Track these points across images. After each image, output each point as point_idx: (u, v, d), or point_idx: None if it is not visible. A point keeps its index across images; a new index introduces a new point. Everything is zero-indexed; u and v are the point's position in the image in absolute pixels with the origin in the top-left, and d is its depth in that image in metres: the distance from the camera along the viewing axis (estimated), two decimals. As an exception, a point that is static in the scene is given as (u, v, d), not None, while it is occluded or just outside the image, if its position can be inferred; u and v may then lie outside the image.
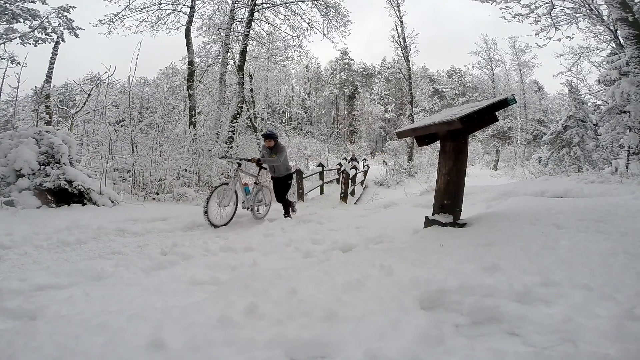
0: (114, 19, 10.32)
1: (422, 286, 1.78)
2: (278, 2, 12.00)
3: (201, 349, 1.33)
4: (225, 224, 4.52)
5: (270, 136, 5.12)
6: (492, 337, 1.49)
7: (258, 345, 1.37)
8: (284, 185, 5.28)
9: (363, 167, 19.08)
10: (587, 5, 8.91)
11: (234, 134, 10.25)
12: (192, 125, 9.09)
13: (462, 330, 1.56)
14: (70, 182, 4.57)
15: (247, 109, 13.01)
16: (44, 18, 9.05)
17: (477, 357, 1.33)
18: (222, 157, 6.61)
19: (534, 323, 1.50)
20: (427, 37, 54.10)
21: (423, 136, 3.89)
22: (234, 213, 4.73)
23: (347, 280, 1.87)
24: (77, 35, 10.40)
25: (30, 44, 9.01)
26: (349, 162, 14.66)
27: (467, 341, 1.45)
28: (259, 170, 5.25)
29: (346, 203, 9.14)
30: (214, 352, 1.32)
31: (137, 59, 6.62)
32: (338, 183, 11.93)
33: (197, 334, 1.41)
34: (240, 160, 4.93)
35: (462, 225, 3.30)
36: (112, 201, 4.92)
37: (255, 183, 5.17)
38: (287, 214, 5.30)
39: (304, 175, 9.13)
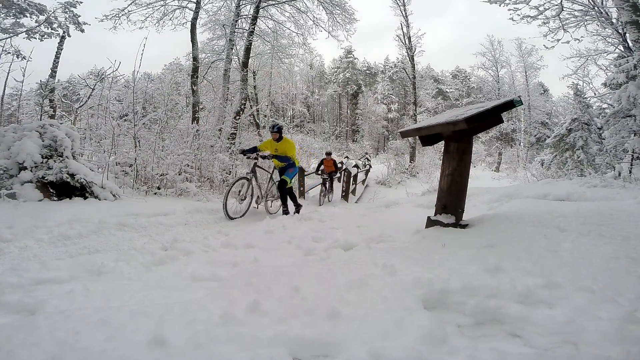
0: (120, 15, 10.33)
1: (425, 286, 1.77)
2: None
3: (203, 346, 1.33)
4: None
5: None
6: (494, 338, 1.49)
7: (261, 343, 1.36)
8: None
9: (365, 166, 19.08)
10: (596, 8, 8.83)
11: (236, 130, 10.23)
12: (195, 121, 9.06)
13: (465, 330, 1.55)
14: (72, 176, 4.57)
15: (250, 105, 12.99)
16: (50, 13, 9.03)
17: (480, 358, 1.32)
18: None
19: (536, 324, 1.50)
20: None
21: (427, 136, 3.87)
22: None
23: (349, 278, 1.86)
24: (82, 30, 10.39)
25: (36, 38, 8.98)
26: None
27: (470, 342, 1.45)
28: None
29: (347, 202, 9.15)
30: (217, 349, 1.32)
31: (142, 54, 6.59)
32: (339, 182, 11.91)
33: (199, 331, 1.40)
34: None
35: (464, 226, 3.28)
36: (113, 195, 4.92)
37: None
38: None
39: (305, 173, 9.14)
